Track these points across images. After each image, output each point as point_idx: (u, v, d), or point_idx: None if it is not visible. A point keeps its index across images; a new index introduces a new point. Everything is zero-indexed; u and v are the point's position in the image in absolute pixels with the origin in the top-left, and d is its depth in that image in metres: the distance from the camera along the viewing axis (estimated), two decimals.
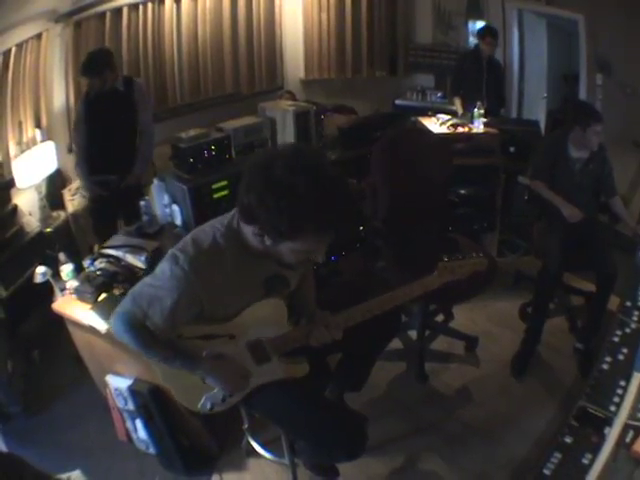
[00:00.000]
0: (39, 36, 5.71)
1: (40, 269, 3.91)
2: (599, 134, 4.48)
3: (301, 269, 2.89)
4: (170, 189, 4.72)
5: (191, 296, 2.44)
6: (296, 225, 2.23)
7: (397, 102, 8.84)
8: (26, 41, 5.55)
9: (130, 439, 4.04)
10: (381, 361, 3.59)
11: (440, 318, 5.19)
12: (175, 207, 4.66)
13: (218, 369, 2.69)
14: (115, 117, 5.27)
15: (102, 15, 6.32)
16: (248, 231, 2.43)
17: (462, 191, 5.76)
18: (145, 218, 4.67)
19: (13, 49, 5.37)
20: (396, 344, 4.88)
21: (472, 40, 7.39)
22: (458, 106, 7.12)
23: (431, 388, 4.50)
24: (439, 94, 8.59)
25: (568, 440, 2.81)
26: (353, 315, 2.80)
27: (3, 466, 2.18)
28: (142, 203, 4.71)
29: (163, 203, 4.72)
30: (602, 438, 2.77)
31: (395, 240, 4.60)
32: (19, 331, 4.97)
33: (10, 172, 5.39)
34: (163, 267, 2.48)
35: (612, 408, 2.95)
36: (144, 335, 2.54)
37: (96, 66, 5.05)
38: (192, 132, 4.80)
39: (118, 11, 6.47)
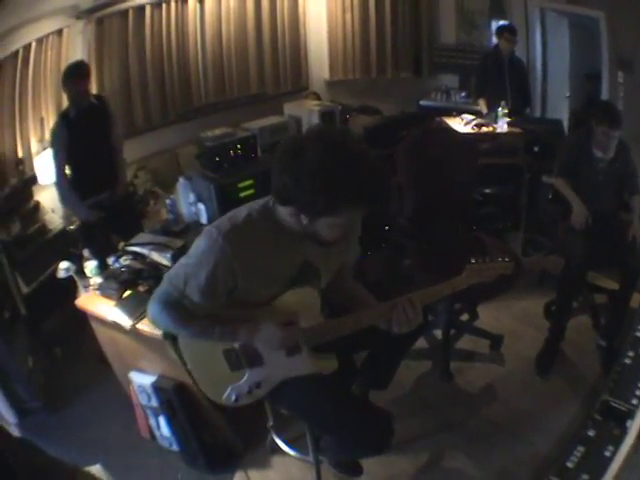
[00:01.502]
0: (60, 32, 5.74)
1: (63, 264, 3.94)
2: (611, 138, 4.43)
3: (335, 264, 2.90)
4: (196, 188, 4.75)
5: (226, 267, 2.46)
6: (332, 201, 2.27)
7: (422, 103, 8.79)
8: (46, 36, 5.58)
9: (153, 436, 4.05)
10: (406, 360, 3.62)
11: (465, 317, 5.17)
12: (201, 205, 4.69)
13: (263, 324, 2.65)
14: (95, 133, 5.17)
15: (125, 13, 6.35)
16: (284, 212, 2.47)
17: (487, 190, 5.75)
18: (170, 216, 4.69)
19: (33, 44, 5.41)
20: (421, 343, 4.87)
21: (495, 40, 7.34)
22: (483, 107, 7.07)
23: (456, 386, 4.49)
24: (463, 94, 8.53)
25: (591, 434, 2.83)
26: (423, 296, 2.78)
27: (15, 449, 2.18)
28: (167, 202, 4.75)
29: (189, 202, 4.74)
30: (624, 431, 2.78)
31: (421, 239, 4.59)
32: (41, 327, 5.02)
33: (32, 169, 5.45)
34: (198, 243, 2.54)
35: (634, 401, 2.95)
36: (180, 311, 2.59)
37: (83, 69, 5.03)
38: (218, 131, 4.83)
39: (141, 9, 6.50)
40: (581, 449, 2.74)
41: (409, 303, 2.69)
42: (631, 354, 3.28)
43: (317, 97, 7.52)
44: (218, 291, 2.55)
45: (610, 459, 2.65)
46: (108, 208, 5.24)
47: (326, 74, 8.67)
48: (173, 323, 2.62)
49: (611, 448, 2.70)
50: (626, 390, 3.03)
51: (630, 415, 2.86)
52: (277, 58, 7.99)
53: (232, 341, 2.70)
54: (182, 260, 2.62)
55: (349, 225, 2.48)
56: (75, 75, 4.94)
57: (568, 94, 8.00)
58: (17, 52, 5.27)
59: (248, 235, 2.49)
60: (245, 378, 2.79)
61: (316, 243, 2.57)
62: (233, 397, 2.81)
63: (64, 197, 5.20)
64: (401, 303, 2.68)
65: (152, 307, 2.64)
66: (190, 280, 2.50)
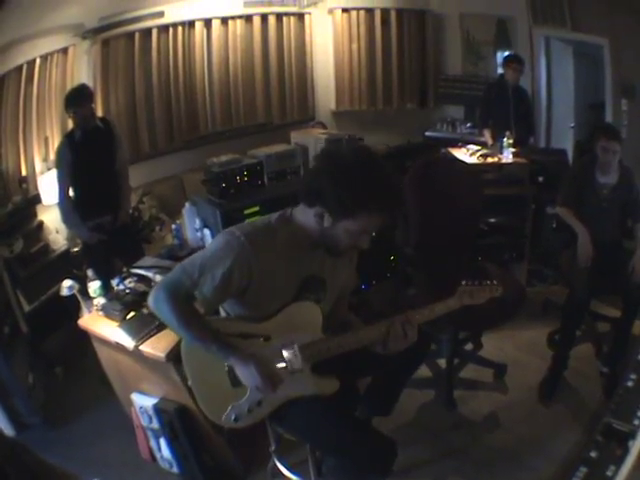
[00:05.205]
0: (65, 50, 5.79)
1: (67, 282, 3.96)
2: (609, 152, 4.50)
3: (340, 278, 2.95)
4: (202, 213, 4.77)
5: (244, 264, 2.53)
6: (359, 200, 2.44)
7: (427, 133, 8.82)
8: (51, 54, 5.63)
9: (153, 458, 4.03)
10: (410, 389, 3.64)
11: (469, 347, 5.17)
12: (206, 231, 4.70)
13: (253, 359, 2.65)
14: (100, 156, 5.16)
15: (131, 35, 6.41)
16: (307, 214, 2.62)
17: (492, 220, 5.75)
18: (176, 242, 4.72)
19: (37, 60, 5.47)
20: (425, 372, 4.88)
21: (500, 70, 7.38)
22: (488, 138, 7.04)
23: (459, 415, 4.48)
24: (468, 125, 8.56)
25: (593, 455, 2.83)
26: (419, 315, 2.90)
27: (6, 450, 2.19)
28: (173, 227, 4.77)
29: (194, 227, 4.76)
30: (626, 451, 2.78)
31: (426, 268, 4.61)
32: (42, 346, 5.07)
33: (36, 188, 5.51)
34: (217, 240, 2.66)
35: (636, 422, 2.95)
36: (184, 308, 2.62)
37: (85, 95, 5.02)
38: (225, 157, 4.85)
39: (147, 32, 6.56)
40: (583, 470, 2.75)
41: (406, 319, 2.79)
42: (633, 377, 3.29)
43: (323, 127, 7.56)
44: (230, 289, 2.59)
45: (612, 478, 2.67)
46: (109, 232, 5.24)
47: (332, 104, 8.72)
48: (175, 318, 2.61)
49: (613, 468, 2.71)
50: (628, 412, 3.04)
51: (632, 435, 2.87)
52: (284, 87, 8.06)
53: (223, 359, 2.69)
54: (199, 252, 2.69)
55: (361, 236, 2.58)
56: (77, 100, 4.94)
57: (573, 124, 8.02)
58: (21, 67, 5.32)
59: (267, 239, 2.60)
60: (246, 396, 2.77)
61: (327, 252, 2.68)
62: (233, 416, 2.77)
63: (66, 217, 5.21)
64: (398, 320, 2.79)
65: (157, 294, 2.63)
66: (205, 272, 2.55)
